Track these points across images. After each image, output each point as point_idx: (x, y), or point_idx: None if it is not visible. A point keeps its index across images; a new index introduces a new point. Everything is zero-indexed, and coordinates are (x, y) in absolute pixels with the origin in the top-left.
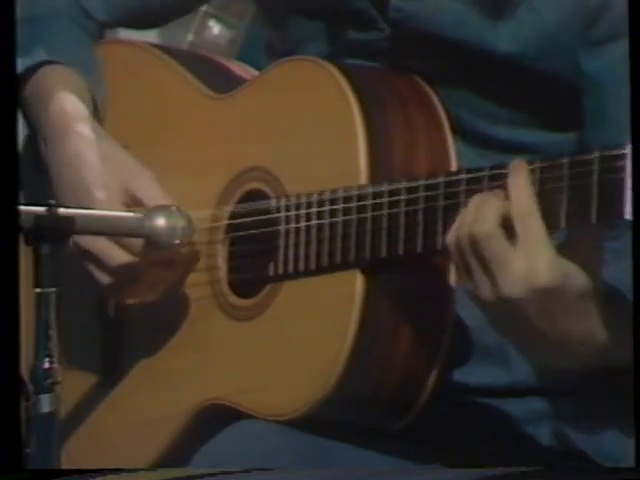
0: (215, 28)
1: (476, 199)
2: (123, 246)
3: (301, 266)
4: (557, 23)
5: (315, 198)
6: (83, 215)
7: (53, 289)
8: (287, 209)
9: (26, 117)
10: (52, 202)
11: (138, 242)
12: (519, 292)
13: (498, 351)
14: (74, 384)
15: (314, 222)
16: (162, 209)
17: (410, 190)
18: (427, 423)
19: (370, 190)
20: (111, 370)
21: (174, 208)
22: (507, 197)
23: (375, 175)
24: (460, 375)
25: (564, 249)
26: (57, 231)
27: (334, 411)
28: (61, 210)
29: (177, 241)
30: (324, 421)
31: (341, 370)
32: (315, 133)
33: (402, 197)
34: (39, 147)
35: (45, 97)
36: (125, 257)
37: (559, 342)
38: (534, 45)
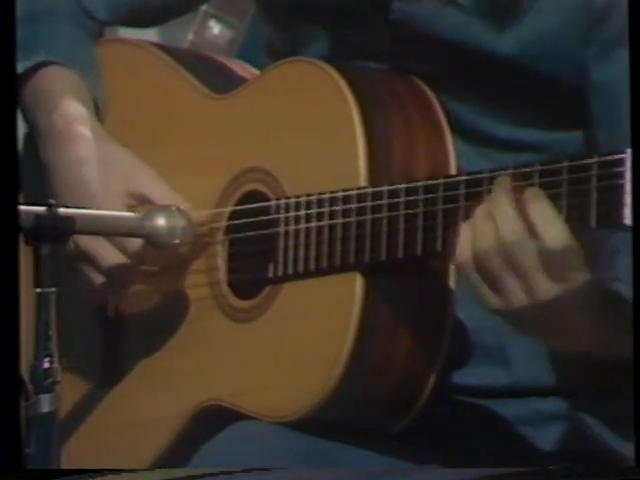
0: (215, 28)
1: (482, 209)
2: (119, 249)
3: (300, 268)
4: (558, 24)
5: (315, 200)
6: (83, 215)
7: (53, 289)
8: (286, 210)
9: (26, 118)
10: (52, 202)
11: (134, 244)
12: (557, 290)
13: (498, 352)
14: (74, 384)
15: (314, 224)
16: (162, 209)
17: (409, 192)
18: (427, 424)
19: (369, 192)
20: (111, 370)
21: (174, 208)
22: (516, 201)
23: (374, 177)
24: (460, 376)
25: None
26: (57, 231)
27: (334, 412)
28: (61, 210)
29: (177, 241)
30: (324, 422)
31: (341, 371)
32: (314, 134)
33: (401, 199)
34: (39, 148)
35: (46, 99)
36: (120, 259)
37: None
38: (534, 45)
